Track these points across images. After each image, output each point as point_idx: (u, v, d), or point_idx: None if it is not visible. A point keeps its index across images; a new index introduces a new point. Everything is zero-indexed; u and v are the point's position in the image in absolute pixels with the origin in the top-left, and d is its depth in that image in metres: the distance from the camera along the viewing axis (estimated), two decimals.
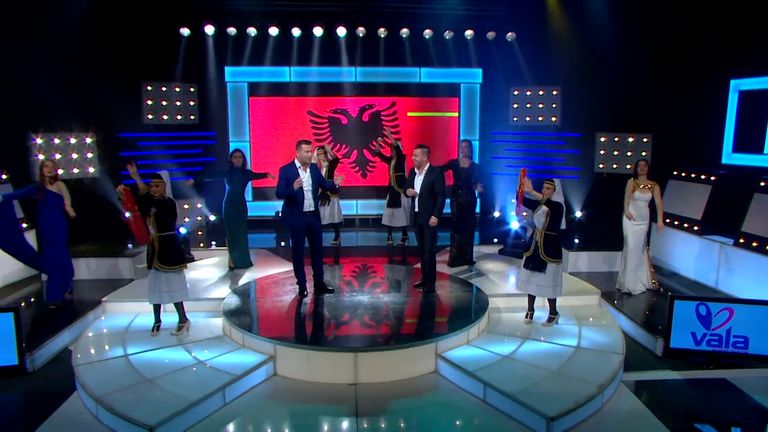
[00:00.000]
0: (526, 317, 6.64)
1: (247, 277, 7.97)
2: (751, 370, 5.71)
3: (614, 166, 10.71)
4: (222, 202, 8.19)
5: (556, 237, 6.35)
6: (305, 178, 6.79)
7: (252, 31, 10.89)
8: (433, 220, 6.82)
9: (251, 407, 5.03)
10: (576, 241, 9.58)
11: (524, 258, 6.52)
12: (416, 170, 7.00)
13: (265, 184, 11.53)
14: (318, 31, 10.97)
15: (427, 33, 11.19)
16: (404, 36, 11.22)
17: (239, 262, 8.38)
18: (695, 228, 8.25)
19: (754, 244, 7.25)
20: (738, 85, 8.49)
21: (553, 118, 11.44)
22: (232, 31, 10.86)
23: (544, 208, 6.29)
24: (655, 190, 7.36)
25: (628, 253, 7.47)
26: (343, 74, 11.48)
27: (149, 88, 10.62)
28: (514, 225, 9.40)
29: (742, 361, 5.76)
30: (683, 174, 8.94)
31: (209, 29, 10.78)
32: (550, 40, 10.94)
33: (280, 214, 11.00)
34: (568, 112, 11.28)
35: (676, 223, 8.59)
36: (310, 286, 7.20)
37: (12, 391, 5.33)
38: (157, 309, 6.35)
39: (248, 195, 11.43)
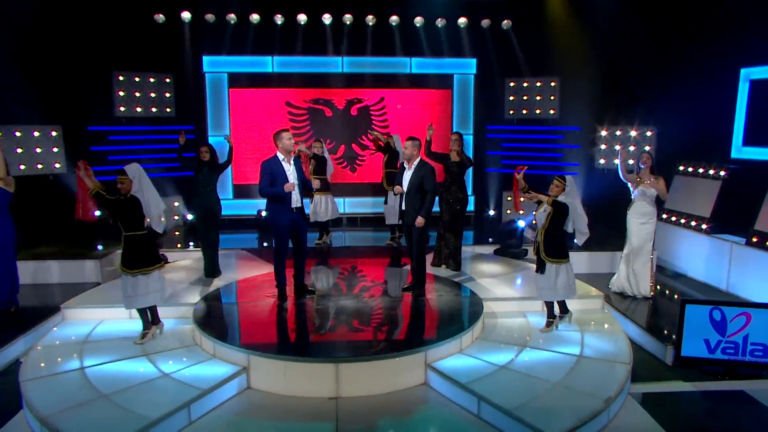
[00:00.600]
0: (547, 326, 6.21)
1: (223, 281, 7.56)
2: None
3: (616, 161, 10.29)
4: (193, 201, 7.75)
5: (560, 237, 5.99)
6: (290, 171, 6.41)
7: (232, 17, 10.49)
8: (420, 221, 6.45)
9: (220, 425, 4.62)
10: (576, 240, 9.21)
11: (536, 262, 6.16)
12: (405, 165, 6.64)
13: (246, 181, 11.18)
14: (302, 18, 10.58)
15: (418, 21, 10.85)
16: (394, 24, 10.87)
17: (210, 268, 7.80)
18: (704, 226, 7.92)
19: None
20: (749, 73, 8.17)
21: (552, 111, 11.13)
22: (210, 17, 10.45)
23: (547, 207, 5.95)
24: (660, 183, 7.01)
25: (631, 253, 7.11)
26: (330, 64, 11.10)
27: (121, 78, 10.19)
28: (522, 222, 8.94)
29: (761, 371, 5.41)
30: (690, 169, 8.61)
31: (186, 15, 10.37)
32: (548, 28, 10.63)
33: (263, 213, 10.75)
34: (567, 105, 10.96)
35: (683, 221, 8.26)
36: (291, 290, 6.81)
37: None
38: (143, 313, 5.92)
39: (228, 193, 11.18)
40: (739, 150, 8.31)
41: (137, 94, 10.34)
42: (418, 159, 6.58)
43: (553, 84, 11.05)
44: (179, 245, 9.46)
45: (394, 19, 10.78)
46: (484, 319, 6.38)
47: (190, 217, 10.56)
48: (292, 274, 6.80)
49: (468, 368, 5.24)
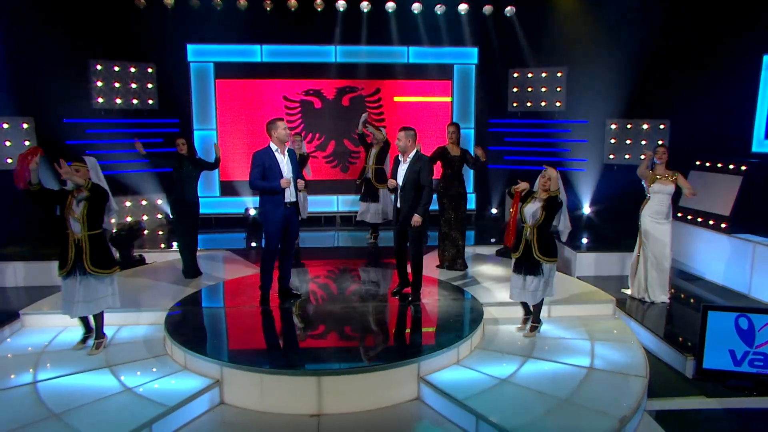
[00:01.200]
0: (532, 330, 5.85)
1: (203, 283, 7.13)
2: None
3: (626, 156, 9.97)
4: (170, 199, 7.34)
5: (551, 234, 5.67)
6: (284, 163, 6.02)
7: (218, 3, 10.05)
8: (416, 219, 6.01)
9: None
10: (584, 241, 8.81)
11: (513, 261, 5.72)
12: (400, 158, 6.20)
13: (234, 178, 10.77)
14: (293, 4, 10.15)
15: (416, 7, 10.41)
16: (390, 11, 10.44)
17: (189, 268, 7.40)
18: (723, 225, 7.47)
19: None
20: None
21: (558, 103, 10.69)
22: (195, 2, 10.00)
23: (538, 202, 5.56)
24: (679, 179, 6.58)
25: (646, 255, 6.66)
26: (322, 54, 10.68)
27: (99, 67, 9.74)
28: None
29: None
30: (707, 164, 8.17)
31: (168, 0, 9.91)
32: (555, 15, 10.21)
33: (251, 211, 10.35)
34: (575, 97, 10.51)
35: (699, 220, 7.81)
36: (275, 293, 6.41)
37: None
38: (85, 320, 5.52)
39: (215, 190, 10.76)
40: (760, 143, 7.87)
41: (116, 85, 9.90)
42: (414, 151, 6.13)
43: (559, 74, 10.62)
44: (162, 245, 9.07)
45: (390, 5, 10.35)
46: (485, 327, 5.96)
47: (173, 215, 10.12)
48: (277, 276, 6.40)
49: (465, 382, 4.82)
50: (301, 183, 6.13)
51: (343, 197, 11.04)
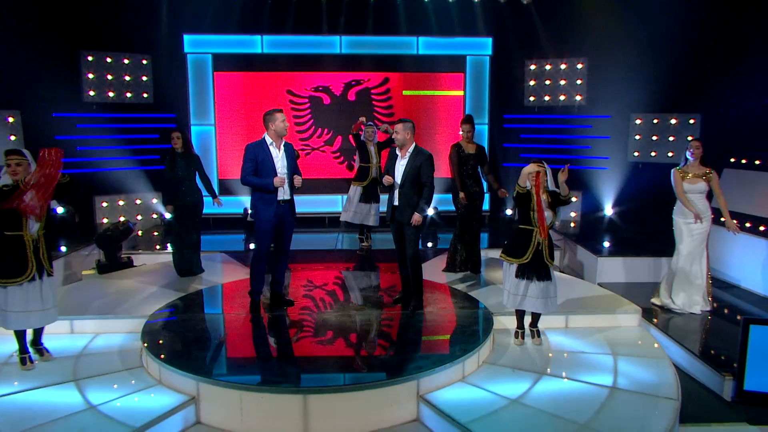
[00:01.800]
0: (518, 338, 5.47)
1: (191, 288, 6.72)
2: None
3: (652, 153, 9.46)
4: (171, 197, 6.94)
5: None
6: (278, 158, 5.62)
7: None
8: (416, 218, 5.61)
9: None
10: (606, 245, 8.30)
11: (516, 267, 5.25)
12: (398, 152, 5.78)
13: (233, 176, 10.42)
14: None
15: None
16: None
17: (186, 267, 7.12)
18: (761, 228, 6.90)
19: None
20: None
21: (578, 97, 10.23)
22: None
23: (544, 198, 5.16)
24: (713, 178, 6.05)
25: (680, 261, 6.11)
26: (326, 45, 10.30)
27: (90, 58, 9.47)
28: None
29: None
30: (743, 161, 7.62)
31: None
32: (575, 2, 9.77)
33: (250, 210, 9.96)
34: (596, 90, 10.05)
35: (735, 222, 7.22)
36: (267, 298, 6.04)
37: None
38: (22, 336, 4.92)
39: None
40: None
41: (109, 77, 9.62)
42: (413, 145, 5.74)
43: (579, 66, 10.15)
44: (158, 246, 8.75)
45: None
46: (495, 338, 5.48)
47: (168, 216, 9.75)
48: (270, 280, 6.01)
49: (471, 402, 4.34)
50: (298, 180, 5.71)
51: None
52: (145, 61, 9.90)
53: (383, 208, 8.74)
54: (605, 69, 9.75)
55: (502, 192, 7.02)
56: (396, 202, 5.77)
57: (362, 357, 4.88)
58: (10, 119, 8.60)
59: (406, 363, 4.71)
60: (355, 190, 8.47)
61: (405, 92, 10.56)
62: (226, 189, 10.46)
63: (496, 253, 8.34)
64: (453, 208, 7.16)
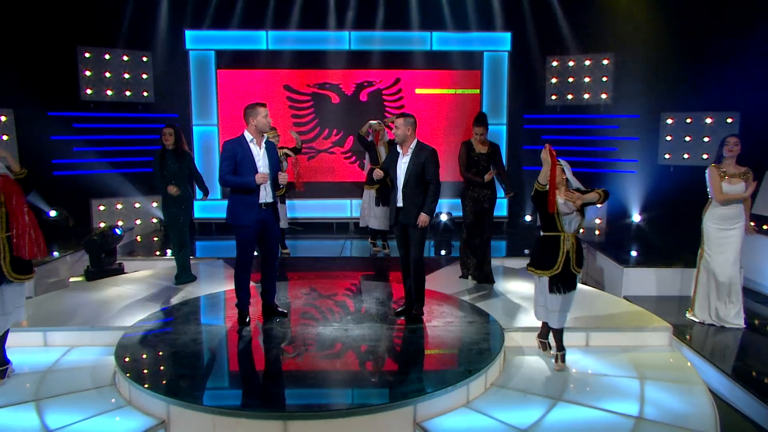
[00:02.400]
0: (557, 361, 4.89)
1: (179, 297, 6.36)
2: None
3: (685, 156, 8.90)
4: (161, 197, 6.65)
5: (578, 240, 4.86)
6: (260, 157, 5.25)
7: None
8: (424, 218, 5.28)
9: None
10: (633, 254, 7.75)
11: (548, 280, 4.74)
12: (399, 150, 5.44)
13: None
14: None
15: None
16: None
17: (183, 272, 6.83)
18: None
19: None
20: None
21: (604, 95, 9.75)
22: None
23: (570, 204, 4.63)
24: (749, 179, 5.50)
25: (711, 269, 5.56)
26: (335, 41, 9.96)
27: (87, 55, 9.25)
28: None
29: None
30: None
31: None
32: None
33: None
34: (624, 87, 9.57)
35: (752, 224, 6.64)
36: (258, 310, 5.64)
37: None
38: None
39: (216, 192, 10.08)
40: None
41: (107, 75, 9.37)
42: (415, 141, 5.39)
43: (605, 62, 9.66)
44: (158, 252, 8.48)
45: None
46: (506, 357, 5.00)
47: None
48: (260, 291, 5.64)
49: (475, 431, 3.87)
50: (282, 177, 5.33)
51: (357, 201, 10.19)
52: (145, 58, 9.66)
53: None
54: (633, 65, 9.30)
55: (509, 193, 6.51)
56: (399, 204, 5.43)
57: (353, 378, 4.45)
58: (2, 118, 8.41)
59: (402, 385, 4.25)
60: (370, 194, 8.08)
61: (418, 90, 10.16)
62: (227, 192, 10.12)
63: (514, 263, 7.93)
64: (461, 213, 6.73)
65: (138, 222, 9.78)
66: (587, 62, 9.76)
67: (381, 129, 7.82)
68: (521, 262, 7.85)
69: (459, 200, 6.73)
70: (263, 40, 9.89)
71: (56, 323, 5.54)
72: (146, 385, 4.18)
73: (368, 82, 10.11)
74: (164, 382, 4.36)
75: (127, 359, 4.65)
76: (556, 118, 10.15)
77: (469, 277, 6.79)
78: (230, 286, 6.62)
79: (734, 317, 5.62)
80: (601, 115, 9.82)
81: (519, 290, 6.62)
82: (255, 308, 5.62)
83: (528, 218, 10.12)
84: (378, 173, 5.41)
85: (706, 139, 8.69)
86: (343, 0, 9.70)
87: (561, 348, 4.89)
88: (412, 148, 5.35)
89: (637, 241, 8.61)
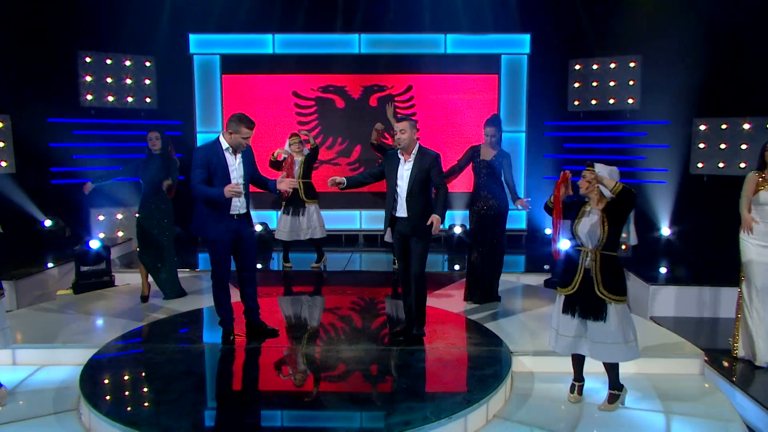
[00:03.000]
0: (573, 392, 4.35)
1: (166, 312, 6.01)
2: None
3: (720, 165, 8.31)
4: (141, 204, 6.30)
5: (617, 258, 4.12)
6: (235, 167, 4.90)
7: None
8: (437, 221, 4.81)
9: None
10: (662, 271, 7.20)
11: (563, 299, 4.22)
12: (401, 156, 5.05)
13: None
14: None
15: None
16: None
17: (168, 289, 6.43)
18: None
19: None
20: None
21: (630, 100, 9.19)
22: None
23: (595, 213, 4.08)
24: None
25: (752, 294, 4.94)
26: (343, 44, 9.62)
27: (88, 59, 9.03)
28: (564, 244, 6.79)
29: None
30: None
31: None
32: None
33: (258, 227, 9.29)
34: (652, 92, 8.99)
35: None
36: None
37: None
38: None
39: None
40: None
41: (108, 80, 9.16)
42: (417, 146, 5.02)
43: (632, 65, 9.13)
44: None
45: None
46: (514, 384, 4.55)
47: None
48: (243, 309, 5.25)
49: None
50: (288, 182, 5.04)
51: (367, 213, 9.83)
52: (148, 63, 9.42)
53: None
54: (662, 67, 8.72)
55: (522, 203, 5.95)
56: (401, 213, 5.03)
57: (339, 407, 4.01)
58: None
59: (392, 415, 3.80)
60: None
61: (431, 96, 9.73)
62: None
63: (532, 279, 7.45)
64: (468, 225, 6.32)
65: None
66: (612, 65, 9.25)
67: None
68: (538, 279, 7.38)
69: (466, 212, 6.32)
70: (269, 43, 9.60)
71: (31, 339, 5.24)
72: (106, 413, 3.81)
73: (378, 86, 9.73)
74: (129, 409, 3.99)
75: (92, 382, 4.29)
76: (579, 125, 9.62)
77: (474, 299, 6.23)
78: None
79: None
80: (628, 122, 9.29)
81: (535, 309, 6.12)
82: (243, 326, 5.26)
83: (548, 231, 9.58)
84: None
85: (743, 147, 8.07)
86: (352, 1, 9.39)
87: (617, 386, 4.21)
88: (414, 154, 4.98)
89: (666, 256, 8.04)
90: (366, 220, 9.90)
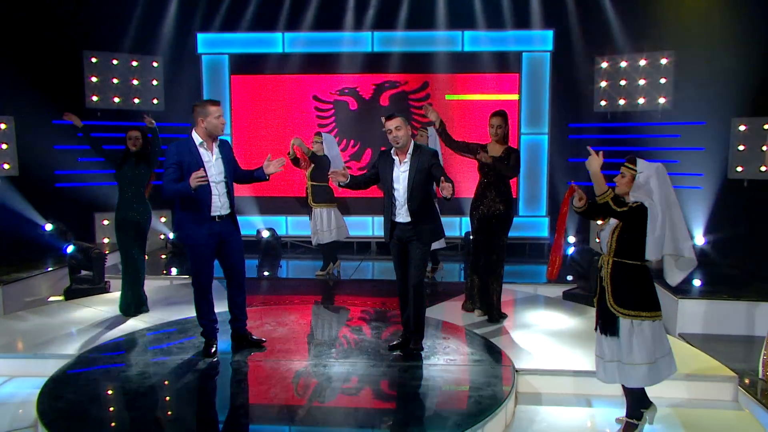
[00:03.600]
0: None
1: (154, 320, 5.74)
2: None
3: (762, 168, 7.69)
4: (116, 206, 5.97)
5: (640, 269, 3.59)
6: (212, 163, 4.59)
7: None
8: (448, 186, 4.22)
9: None
10: (696, 283, 6.64)
11: (596, 313, 3.78)
12: (395, 156, 4.68)
13: (251, 193, 9.52)
14: None
15: None
16: None
17: (125, 304, 5.91)
18: None
19: None
20: None
21: (662, 100, 8.64)
22: None
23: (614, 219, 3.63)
24: None
25: None
26: (355, 42, 9.34)
27: (94, 60, 8.93)
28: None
29: None
30: None
31: None
32: None
33: (264, 233, 9.05)
34: (686, 90, 8.43)
35: None
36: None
37: None
38: None
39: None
40: None
41: (115, 81, 9.04)
42: (412, 144, 4.65)
43: (664, 61, 8.58)
44: (164, 272, 8.05)
45: None
46: (517, 407, 4.12)
47: (171, 236, 8.97)
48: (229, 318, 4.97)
49: None
50: (275, 164, 4.70)
51: (380, 219, 9.38)
52: (155, 64, 9.29)
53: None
54: (697, 63, 8.17)
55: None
56: (401, 219, 4.66)
57: (315, 429, 3.63)
58: (2, 126, 8.13)
59: None
60: None
61: (448, 96, 9.37)
62: (243, 207, 9.59)
63: (551, 290, 6.97)
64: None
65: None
66: (642, 62, 8.72)
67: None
68: (555, 290, 6.89)
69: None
70: (279, 42, 9.37)
71: (5, 348, 5.00)
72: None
73: (390, 83, 9.40)
74: (82, 429, 3.67)
75: (53, 399, 3.98)
76: (605, 126, 9.12)
77: (476, 311, 5.79)
78: (219, 308, 5.98)
79: None
80: (660, 123, 8.74)
81: (551, 323, 5.64)
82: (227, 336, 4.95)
83: (571, 239, 9.06)
84: (339, 174, 4.63)
85: None
86: None
87: (634, 414, 3.73)
88: (411, 153, 4.60)
89: (699, 267, 7.41)
90: (379, 226, 9.42)
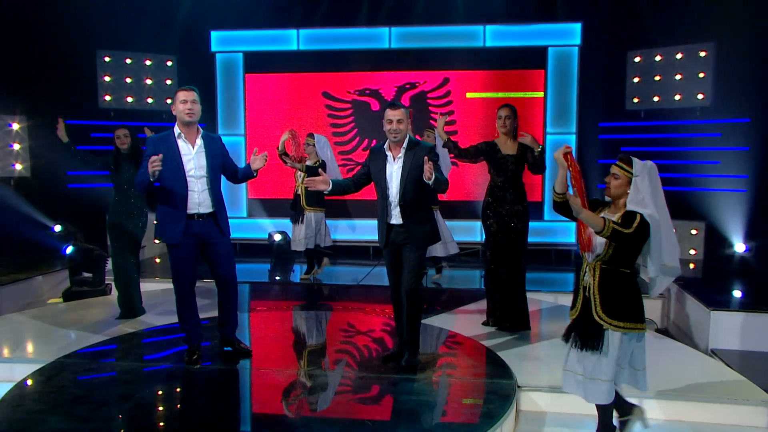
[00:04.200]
0: None
1: (143, 324, 5.53)
2: None
3: None
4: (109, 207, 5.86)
5: (629, 277, 3.23)
6: (191, 156, 4.31)
7: None
8: (430, 166, 3.93)
9: None
10: (736, 294, 6.11)
11: (571, 325, 3.42)
12: (388, 152, 4.33)
13: (266, 195, 9.40)
14: None
15: None
16: None
17: (124, 306, 5.76)
18: None
19: None
20: None
21: (701, 96, 8.20)
22: None
23: (614, 219, 3.23)
24: None
25: None
26: (372, 38, 9.13)
27: (107, 59, 8.93)
28: None
29: None
30: None
31: None
32: None
33: (276, 236, 8.85)
34: (727, 85, 8.00)
35: None
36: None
37: None
38: None
39: (241, 210, 9.47)
40: None
41: (128, 80, 9.02)
42: (407, 139, 4.30)
43: (702, 54, 8.16)
44: (158, 276, 7.78)
45: None
46: (519, 426, 3.77)
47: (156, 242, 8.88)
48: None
49: None
50: (260, 158, 4.44)
51: None
52: (170, 63, 9.24)
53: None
54: (738, 56, 7.74)
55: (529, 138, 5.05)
56: (395, 220, 4.29)
57: None
58: (15, 125, 8.15)
59: None
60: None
61: (469, 94, 9.05)
62: (257, 210, 9.44)
63: (569, 299, 6.47)
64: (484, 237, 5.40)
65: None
66: (679, 55, 8.28)
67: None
68: (568, 299, 6.43)
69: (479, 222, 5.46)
70: (294, 39, 9.20)
71: None
72: None
73: (411, 84, 9.14)
74: None
75: (13, 408, 3.76)
76: (639, 125, 8.69)
77: (491, 321, 5.33)
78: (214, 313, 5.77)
79: None
80: (698, 121, 8.28)
81: (554, 333, 5.18)
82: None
83: None
84: (322, 180, 4.30)
85: None
86: None
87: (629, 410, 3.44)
88: (405, 148, 4.25)
89: (737, 276, 6.91)
90: None
